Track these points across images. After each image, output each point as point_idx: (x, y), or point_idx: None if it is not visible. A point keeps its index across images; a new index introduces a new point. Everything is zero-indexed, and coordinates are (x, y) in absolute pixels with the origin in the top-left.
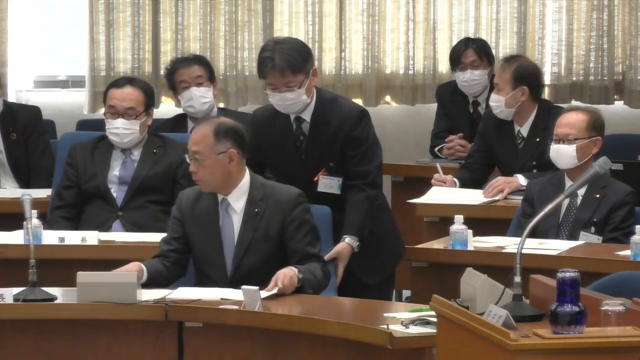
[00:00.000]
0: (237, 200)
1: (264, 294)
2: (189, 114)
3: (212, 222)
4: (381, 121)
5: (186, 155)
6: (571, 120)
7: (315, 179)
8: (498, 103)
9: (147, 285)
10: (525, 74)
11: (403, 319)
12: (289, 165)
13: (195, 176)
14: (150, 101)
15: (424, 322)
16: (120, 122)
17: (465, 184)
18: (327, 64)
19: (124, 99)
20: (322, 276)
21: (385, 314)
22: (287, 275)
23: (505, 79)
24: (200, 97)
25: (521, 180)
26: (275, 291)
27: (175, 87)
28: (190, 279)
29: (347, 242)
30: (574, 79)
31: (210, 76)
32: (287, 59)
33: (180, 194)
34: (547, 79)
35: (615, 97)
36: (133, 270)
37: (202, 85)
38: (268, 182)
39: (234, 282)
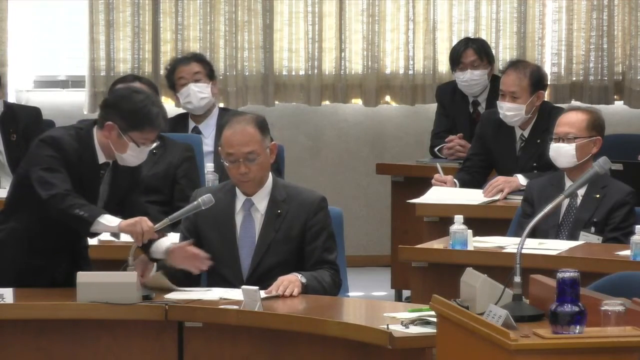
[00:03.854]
0: (261, 201)
1: (263, 294)
2: (188, 111)
3: (228, 222)
4: (381, 121)
5: (223, 160)
6: (571, 119)
7: None
8: (517, 112)
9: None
10: (540, 78)
11: (403, 319)
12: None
13: (245, 177)
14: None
15: (424, 322)
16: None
17: (465, 186)
18: (327, 64)
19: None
20: (330, 284)
21: (385, 314)
22: (290, 281)
23: (523, 86)
24: (198, 92)
25: (521, 180)
26: (274, 294)
27: (174, 85)
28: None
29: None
30: (574, 79)
31: (210, 73)
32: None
33: (194, 194)
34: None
35: (615, 97)
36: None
37: (200, 81)
38: (289, 184)
39: (251, 283)
